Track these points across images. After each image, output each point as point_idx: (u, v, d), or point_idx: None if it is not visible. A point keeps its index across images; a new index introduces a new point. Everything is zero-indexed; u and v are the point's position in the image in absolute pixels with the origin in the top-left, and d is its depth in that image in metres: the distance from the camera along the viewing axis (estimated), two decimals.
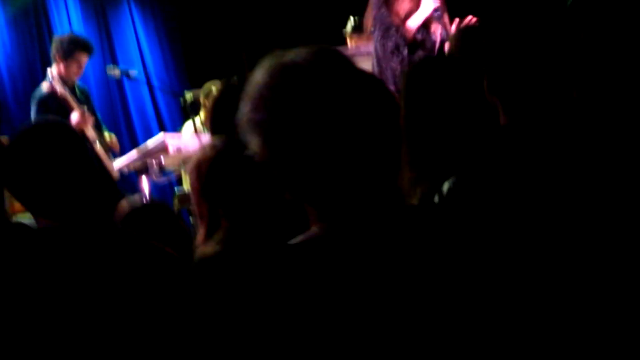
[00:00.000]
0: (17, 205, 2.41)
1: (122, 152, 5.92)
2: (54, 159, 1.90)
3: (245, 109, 1.25)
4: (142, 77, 5.62)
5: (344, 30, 5.42)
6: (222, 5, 7.58)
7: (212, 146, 2.24)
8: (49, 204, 1.89)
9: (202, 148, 2.27)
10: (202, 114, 5.59)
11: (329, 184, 1.20)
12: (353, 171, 1.20)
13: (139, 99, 7.19)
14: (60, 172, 1.89)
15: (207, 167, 2.23)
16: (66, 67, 5.19)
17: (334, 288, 1.14)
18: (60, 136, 1.98)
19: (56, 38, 5.47)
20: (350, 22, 5.36)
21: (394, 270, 1.18)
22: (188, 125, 5.96)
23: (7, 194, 2.16)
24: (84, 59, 5.29)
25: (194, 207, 2.30)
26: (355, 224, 1.20)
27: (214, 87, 5.72)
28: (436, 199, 1.78)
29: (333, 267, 1.16)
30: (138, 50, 7.29)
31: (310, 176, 1.21)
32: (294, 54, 1.24)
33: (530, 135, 1.67)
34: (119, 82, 6.97)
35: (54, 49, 5.28)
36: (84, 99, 5.36)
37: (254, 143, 1.25)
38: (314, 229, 1.24)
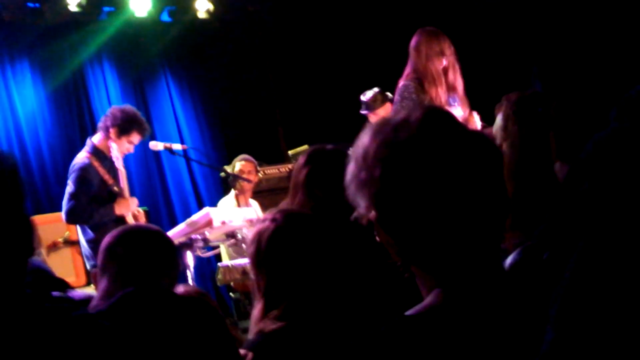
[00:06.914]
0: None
1: (161, 224, 5.89)
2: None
3: (352, 170, 1.22)
4: (181, 151, 5.56)
5: None
6: (257, 80, 7.69)
7: (273, 218, 2.18)
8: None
9: (262, 220, 2.22)
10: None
11: (445, 245, 1.15)
12: (467, 231, 1.15)
13: (177, 173, 7.22)
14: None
15: (267, 238, 2.17)
16: (117, 143, 4.76)
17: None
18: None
19: (115, 110, 4.93)
20: None
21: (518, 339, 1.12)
22: (226, 199, 5.95)
23: None
24: (137, 140, 4.89)
25: (251, 280, 2.24)
26: (472, 289, 1.15)
27: (238, 163, 5.84)
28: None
29: (465, 339, 1.09)
30: (176, 125, 7.36)
31: (424, 237, 1.16)
32: (402, 114, 1.21)
33: None
34: (157, 157, 7.00)
35: (108, 120, 4.80)
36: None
37: (361, 205, 1.21)
38: (431, 298, 1.17)
